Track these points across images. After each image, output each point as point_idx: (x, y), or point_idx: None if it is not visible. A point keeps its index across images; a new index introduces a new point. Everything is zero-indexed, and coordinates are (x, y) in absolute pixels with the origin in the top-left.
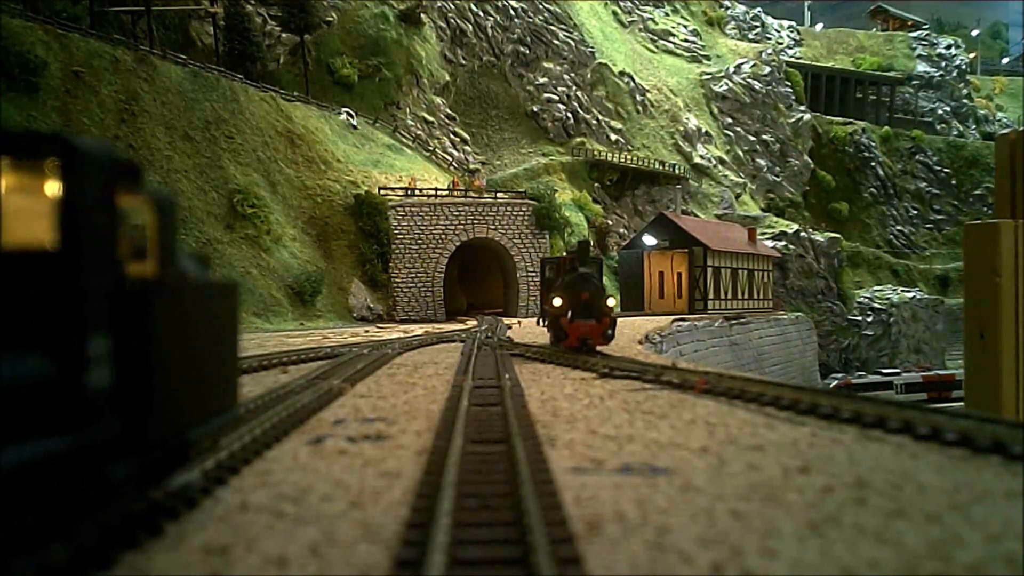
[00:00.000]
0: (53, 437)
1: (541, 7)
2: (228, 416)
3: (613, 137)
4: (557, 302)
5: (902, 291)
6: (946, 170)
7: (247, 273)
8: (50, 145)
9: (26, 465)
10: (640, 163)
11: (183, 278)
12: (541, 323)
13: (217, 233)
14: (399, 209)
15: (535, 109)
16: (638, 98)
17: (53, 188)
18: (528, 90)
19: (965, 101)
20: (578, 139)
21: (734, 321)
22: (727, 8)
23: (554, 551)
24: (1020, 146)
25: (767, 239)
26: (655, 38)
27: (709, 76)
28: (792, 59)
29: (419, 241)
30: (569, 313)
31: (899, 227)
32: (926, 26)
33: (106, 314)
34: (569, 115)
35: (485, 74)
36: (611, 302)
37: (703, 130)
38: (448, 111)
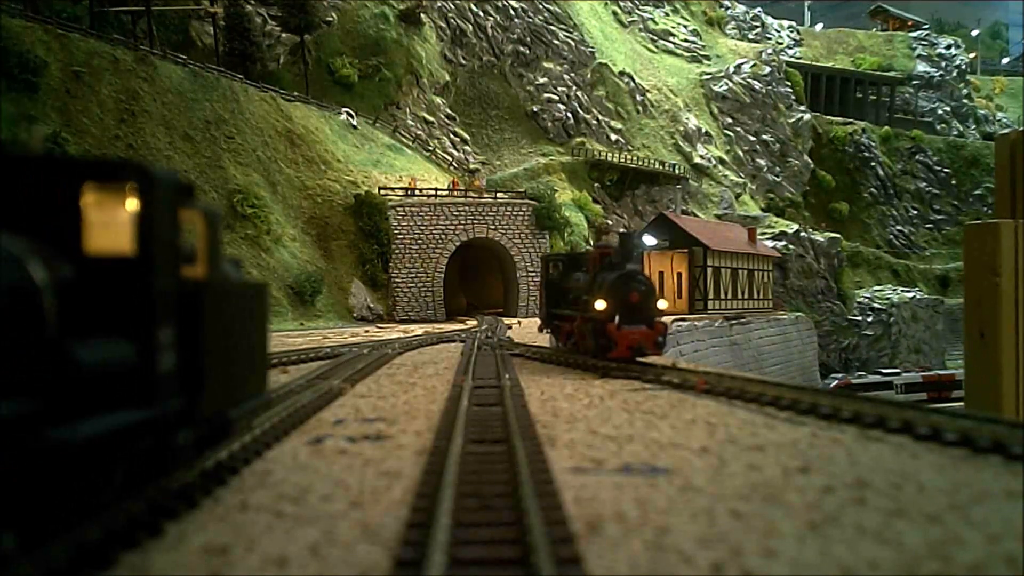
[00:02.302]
0: (138, 409)
1: (541, 7)
2: (260, 400)
3: (613, 137)
4: (600, 305)
5: (902, 291)
6: (946, 170)
7: (247, 273)
8: (129, 171)
9: (123, 430)
10: (640, 163)
11: (226, 280)
12: (546, 331)
13: None
14: (399, 209)
15: (535, 109)
16: (638, 98)
17: (130, 206)
18: (528, 90)
19: (965, 101)
20: (578, 139)
21: (734, 321)
22: (727, 8)
23: (554, 551)
24: (1020, 146)
25: (767, 239)
26: (655, 38)
27: (709, 76)
28: (792, 59)
29: (419, 241)
30: (616, 318)
31: (899, 227)
32: (926, 26)
33: (171, 309)
34: (569, 115)
35: (485, 74)
36: (662, 304)
37: (703, 130)
38: (448, 111)
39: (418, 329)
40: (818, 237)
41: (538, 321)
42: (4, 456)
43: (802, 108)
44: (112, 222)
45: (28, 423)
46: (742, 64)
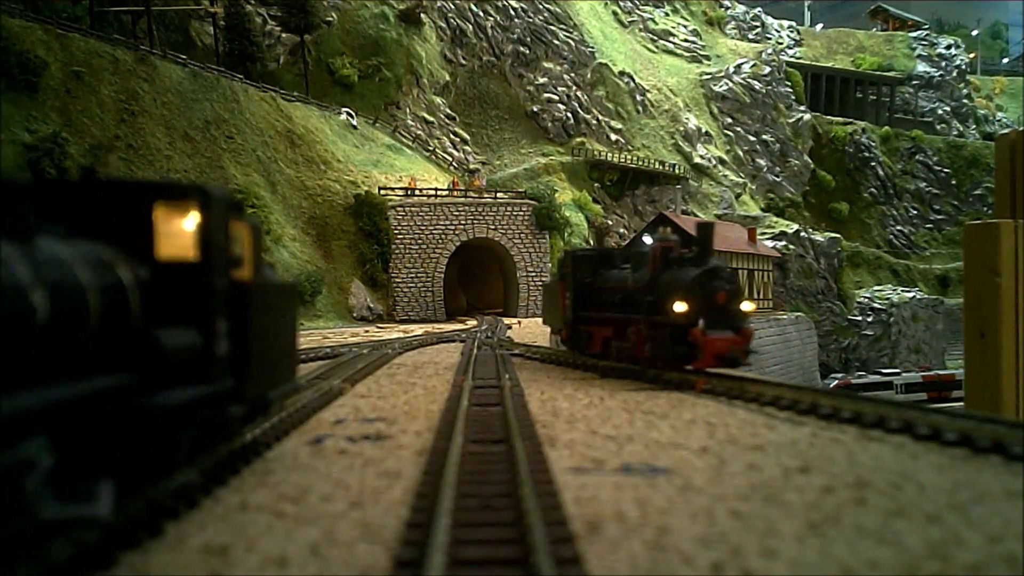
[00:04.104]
0: (202, 385)
1: (541, 7)
2: (291, 385)
3: (613, 137)
4: (680, 307)
5: (902, 291)
6: (946, 170)
7: None
8: (193, 193)
9: (193, 400)
10: (640, 163)
11: (267, 280)
12: (561, 340)
13: None
14: (399, 209)
15: (535, 109)
16: (638, 98)
17: (192, 220)
18: (528, 90)
19: (965, 101)
20: (578, 139)
21: None
22: (727, 8)
23: (554, 551)
24: (1020, 146)
25: (767, 239)
26: (655, 38)
27: (709, 76)
28: (792, 59)
29: (419, 241)
30: (701, 322)
31: (899, 227)
32: (926, 26)
33: (225, 304)
34: (569, 115)
35: (485, 74)
36: (748, 306)
37: (703, 130)
38: (448, 111)
39: (418, 329)
40: (818, 237)
41: (539, 321)
42: (111, 417)
43: (802, 108)
44: (177, 233)
45: (126, 393)
46: (742, 64)
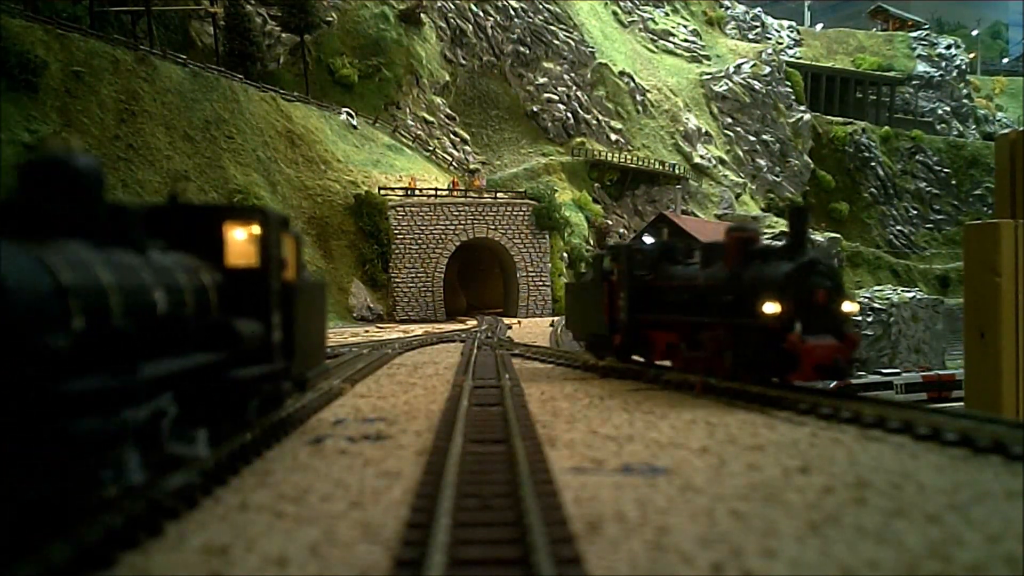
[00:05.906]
0: (266, 364)
1: (541, 7)
2: (323, 368)
3: (613, 137)
4: (771, 308)
5: (902, 291)
6: (946, 170)
7: None
8: (255, 214)
9: (259, 375)
10: (640, 163)
11: (306, 280)
12: (588, 346)
13: None
14: (399, 209)
15: (535, 109)
16: (638, 98)
17: (253, 233)
18: (528, 90)
19: (965, 101)
20: (578, 139)
21: None
22: (727, 8)
23: (554, 551)
24: (1020, 146)
25: (767, 239)
26: (655, 38)
27: (709, 76)
28: (792, 59)
29: (419, 241)
30: (798, 326)
31: (899, 227)
32: (926, 26)
33: (278, 300)
34: (569, 115)
35: (485, 74)
36: (850, 307)
37: (703, 130)
38: (448, 111)
39: (418, 329)
40: (818, 237)
41: (539, 321)
42: (206, 385)
43: (802, 108)
44: (242, 245)
45: (216, 367)
46: (742, 64)
